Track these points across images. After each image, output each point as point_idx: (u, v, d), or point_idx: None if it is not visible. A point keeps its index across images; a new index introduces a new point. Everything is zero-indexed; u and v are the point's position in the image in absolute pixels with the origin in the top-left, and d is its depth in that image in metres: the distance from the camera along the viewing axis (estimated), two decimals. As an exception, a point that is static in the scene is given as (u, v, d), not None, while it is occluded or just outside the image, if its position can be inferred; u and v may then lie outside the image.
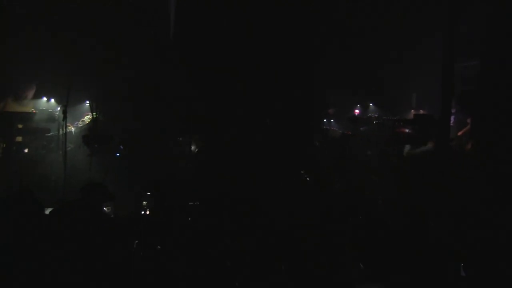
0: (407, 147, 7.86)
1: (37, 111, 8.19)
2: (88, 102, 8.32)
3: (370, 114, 8.79)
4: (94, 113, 8.05)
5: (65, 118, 7.30)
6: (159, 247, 5.52)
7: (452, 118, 7.77)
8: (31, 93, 8.40)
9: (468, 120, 7.88)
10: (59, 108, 7.87)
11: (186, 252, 4.88)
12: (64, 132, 7.58)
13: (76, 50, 8.25)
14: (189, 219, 6.11)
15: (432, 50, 7.92)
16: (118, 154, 7.92)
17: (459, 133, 7.99)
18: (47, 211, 5.53)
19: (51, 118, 8.11)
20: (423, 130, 7.77)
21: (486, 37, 7.38)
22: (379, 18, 8.86)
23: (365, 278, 4.50)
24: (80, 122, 8.39)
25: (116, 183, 6.85)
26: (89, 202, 6.09)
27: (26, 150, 7.89)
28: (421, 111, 8.38)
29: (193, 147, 8.50)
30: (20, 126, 7.97)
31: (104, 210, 6.33)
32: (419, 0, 8.69)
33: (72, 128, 8.19)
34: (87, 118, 8.32)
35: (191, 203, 6.36)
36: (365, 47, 8.83)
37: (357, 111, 9.17)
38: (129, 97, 8.66)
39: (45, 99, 8.33)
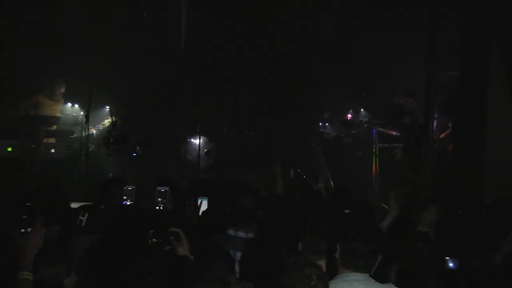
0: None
1: (62, 115, 8.37)
2: (108, 107, 8.53)
3: (361, 119, 8.87)
4: (113, 117, 8.24)
5: (87, 121, 7.66)
6: (172, 237, 5.82)
7: (435, 122, 7.82)
8: (61, 92, 8.50)
9: (449, 124, 7.94)
10: (82, 113, 8.13)
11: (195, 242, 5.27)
12: (86, 134, 7.90)
13: (96, 59, 8.30)
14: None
15: (419, 59, 7.95)
16: (134, 154, 8.06)
17: (442, 136, 8.13)
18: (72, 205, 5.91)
19: (75, 121, 8.32)
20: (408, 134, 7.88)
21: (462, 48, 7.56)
22: (370, 30, 8.87)
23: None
24: (100, 125, 8.56)
25: (132, 180, 6.87)
26: (109, 197, 6.55)
27: (52, 150, 8.03)
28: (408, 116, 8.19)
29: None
30: (47, 128, 8.02)
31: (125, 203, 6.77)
32: (410, 12, 8.53)
33: (94, 131, 8.37)
34: (107, 122, 8.49)
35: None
36: (356, 57, 8.93)
37: (349, 115, 9.16)
38: (145, 102, 8.78)
39: (69, 104, 8.51)
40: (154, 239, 3.91)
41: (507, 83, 7.50)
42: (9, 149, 7.61)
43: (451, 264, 4.33)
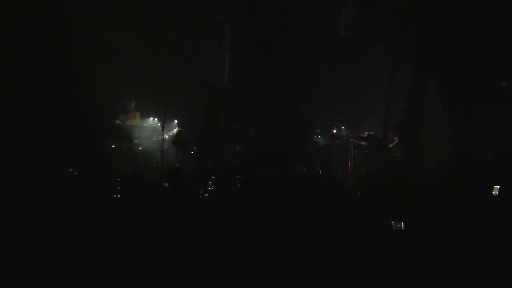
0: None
1: (146, 125, 9.26)
2: (176, 120, 9.15)
3: (342, 133, 9.37)
4: (179, 128, 8.88)
5: (162, 130, 8.47)
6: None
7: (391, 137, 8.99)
8: (133, 105, 9.22)
9: (395, 138, 9.07)
10: (159, 124, 8.84)
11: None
12: (162, 138, 8.60)
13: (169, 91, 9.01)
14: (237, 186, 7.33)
15: (380, 96, 8.95)
16: (191, 152, 8.70)
17: (390, 146, 8.98)
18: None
19: (154, 129, 9.12)
20: (371, 143, 8.83)
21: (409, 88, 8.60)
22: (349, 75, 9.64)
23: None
24: (171, 132, 9.08)
25: (192, 170, 8.30)
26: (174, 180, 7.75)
27: (140, 148, 8.95)
28: (371, 132, 9.14)
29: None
30: (137, 134, 8.91)
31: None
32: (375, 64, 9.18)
33: (166, 136, 8.89)
34: (175, 130, 9.04)
35: (238, 176, 7.70)
36: (340, 93, 9.87)
37: (334, 131, 9.61)
38: (199, 119, 9.63)
39: (151, 118, 9.36)
40: None
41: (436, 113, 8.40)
42: (113, 146, 8.61)
43: (396, 227, 5.18)
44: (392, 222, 5.17)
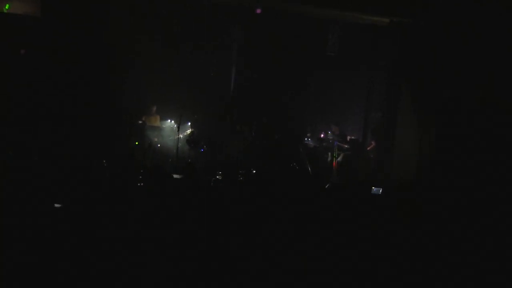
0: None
1: (165, 126, 9.86)
2: (189, 123, 9.65)
3: (328, 137, 9.83)
4: (192, 129, 9.46)
5: (178, 130, 9.05)
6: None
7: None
8: (154, 109, 9.80)
9: (372, 142, 9.80)
10: (175, 125, 9.43)
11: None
12: (177, 137, 9.09)
13: (183, 96, 9.69)
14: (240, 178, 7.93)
15: (360, 105, 9.95)
16: (202, 150, 9.25)
17: (368, 148, 9.81)
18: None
19: (171, 130, 9.72)
20: (352, 146, 9.61)
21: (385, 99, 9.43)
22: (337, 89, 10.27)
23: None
24: (185, 133, 9.58)
25: (201, 164, 8.82)
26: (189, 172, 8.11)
27: (159, 145, 9.54)
28: (353, 137, 9.83)
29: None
30: (157, 133, 9.52)
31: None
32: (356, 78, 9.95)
33: (181, 136, 9.33)
34: (188, 131, 9.58)
35: (241, 172, 8.27)
36: (326, 103, 10.47)
37: (322, 135, 10.00)
38: (208, 120, 10.11)
39: (169, 120, 9.93)
40: None
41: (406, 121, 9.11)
42: (137, 143, 9.24)
43: (375, 191, 5.45)
44: (373, 187, 5.44)
